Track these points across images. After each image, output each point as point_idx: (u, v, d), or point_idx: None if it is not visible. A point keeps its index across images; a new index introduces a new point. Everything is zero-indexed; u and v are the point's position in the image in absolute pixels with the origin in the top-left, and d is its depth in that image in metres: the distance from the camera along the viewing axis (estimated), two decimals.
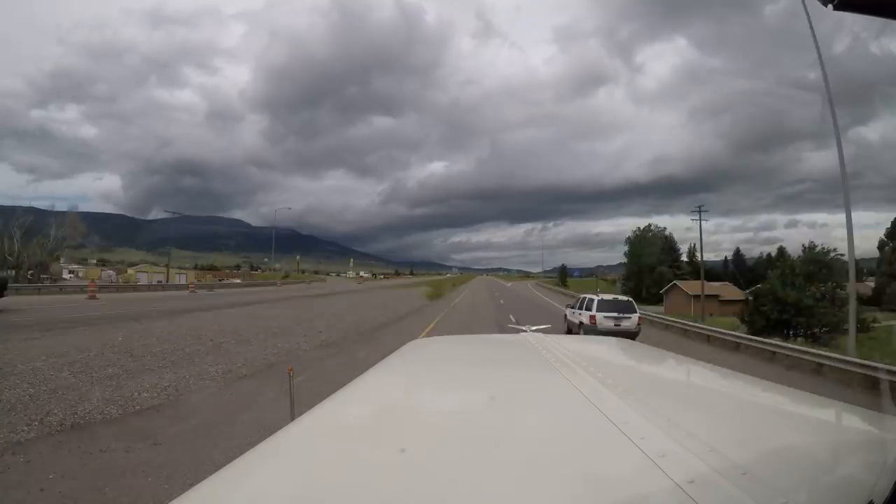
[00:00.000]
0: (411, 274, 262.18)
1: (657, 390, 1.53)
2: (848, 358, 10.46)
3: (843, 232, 14.42)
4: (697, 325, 19.11)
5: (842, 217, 14.28)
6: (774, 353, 12.77)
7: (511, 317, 20.63)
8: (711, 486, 0.74)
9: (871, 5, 0.90)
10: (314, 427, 1.16)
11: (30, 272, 40.63)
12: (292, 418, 1.30)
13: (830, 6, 0.83)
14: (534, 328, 3.34)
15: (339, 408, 1.33)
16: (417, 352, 2.29)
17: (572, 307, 16.22)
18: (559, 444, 0.99)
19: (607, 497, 0.76)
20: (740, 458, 0.83)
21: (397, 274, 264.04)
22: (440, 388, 1.60)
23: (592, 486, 0.80)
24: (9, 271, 36.17)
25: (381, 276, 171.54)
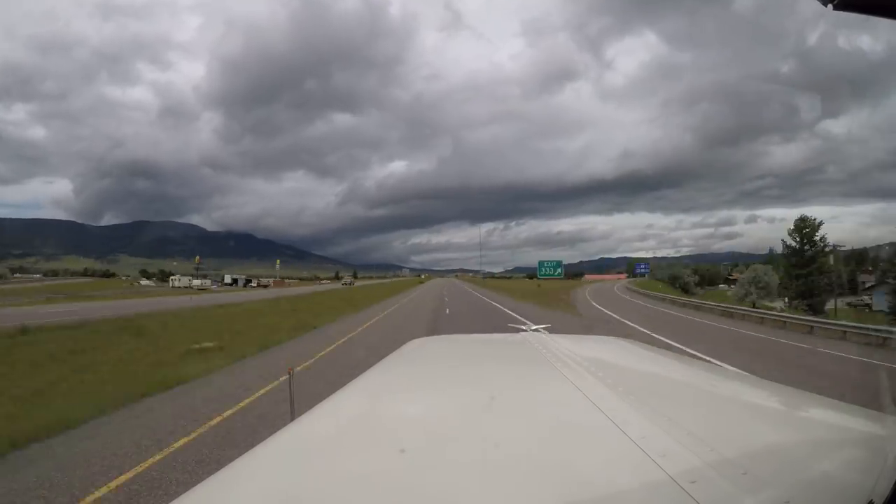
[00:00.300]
0: (354, 277, 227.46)
1: (658, 390, 1.53)
2: None
3: None
4: None
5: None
6: None
7: None
8: (712, 485, 0.75)
9: (871, 5, 0.88)
10: (314, 427, 1.19)
11: None
12: (292, 418, 1.36)
13: (830, 6, 0.83)
14: (534, 327, 3.22)
15: (339, 407, 1.36)
16: (417, 351, 2.29)
17: None
18: (559, 443, 1.00)
19: (609, 496, 0.76)
20: (741, 458, 0.83)
21: (337, 277, 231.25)
22: (440, 388, 1.61)
23: (593, 485, 0.80)
24: None
25: (258, 284, 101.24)
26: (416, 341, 2.57)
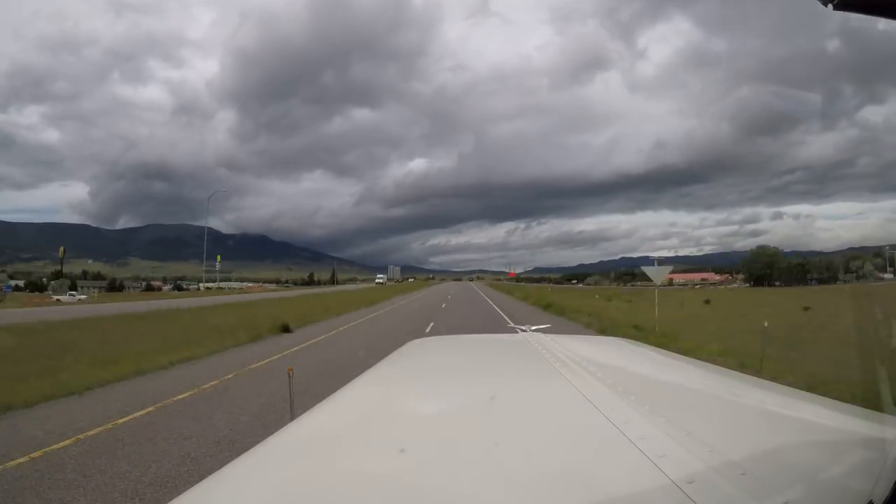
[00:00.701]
0: (333, 282, 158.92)
1: (657, 390, 1.54)
2: None
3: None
4: None
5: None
6: None
7: None
8: (711, 486, 0.75)
9: (871, 5, 0.89)
10: (315, 426, 1.22)
11: None
12: (292, 418, 1.39)
13: (830, 6, 0.83)
14: (534, 328, 3.22)
15: (339, 407, 1.38)
16: (417, 351, 2.33)
17: None
18: (559, 444, 1.00)
19: (607, 497, 0.76)
20: (740, 459, 0.83)
21: (311, 282, 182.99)
22: (440, 388, 1.63)
23: (592, 486, 0.80)
24: None
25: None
26: (416, 341, 2.65)
